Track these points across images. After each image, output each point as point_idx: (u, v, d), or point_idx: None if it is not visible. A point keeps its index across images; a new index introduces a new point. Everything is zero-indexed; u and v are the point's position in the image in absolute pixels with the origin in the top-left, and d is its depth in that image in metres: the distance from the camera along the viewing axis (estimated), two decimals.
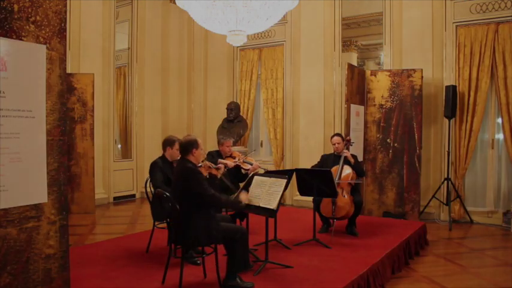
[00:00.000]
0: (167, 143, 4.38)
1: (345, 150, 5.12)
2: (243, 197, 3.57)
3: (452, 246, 5.34)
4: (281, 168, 7.75)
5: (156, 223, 4.40)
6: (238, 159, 5.03)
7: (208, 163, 3.79)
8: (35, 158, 2.35)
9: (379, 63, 8.42)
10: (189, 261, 3.81)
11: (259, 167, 5.00)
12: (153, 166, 4.30)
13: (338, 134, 5.33)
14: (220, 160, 4.82)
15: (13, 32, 2.24)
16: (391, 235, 4.89)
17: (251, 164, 5.00)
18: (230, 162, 4.87)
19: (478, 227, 6.26)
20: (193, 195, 3.27)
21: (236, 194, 3.89)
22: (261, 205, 3.66)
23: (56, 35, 2.45)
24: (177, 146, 4.33)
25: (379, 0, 7.16)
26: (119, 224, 6.28)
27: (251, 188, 3.85)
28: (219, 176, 3.87)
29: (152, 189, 4.36)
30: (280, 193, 3.63)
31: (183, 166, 3.36)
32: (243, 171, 5.00)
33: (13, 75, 2.23)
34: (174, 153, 4.36)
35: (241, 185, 4.12)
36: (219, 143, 5.14)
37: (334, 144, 5.21)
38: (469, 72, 6.35)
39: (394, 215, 6.38)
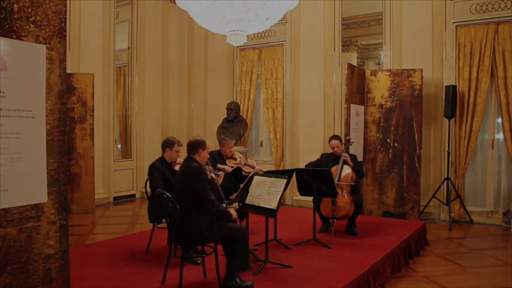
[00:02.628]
0: (167, 144, 4.38)
1: (345, 154, 5.10)
2: (234, 213, 3.54)
3: (452, 246, 5.34)
4: (281, 168, 7.75)
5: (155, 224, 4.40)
6: (240, 161, 5.02)
7: (210, 168, 3.80)
8: (35, 158, 2.35)
9: (379, 63, 8.43)
10: (189, 261, 3.81)
11: (261, 171, 4.98)
12: (152, 168, 4.30)
13: (336, 137, 5.26)
14: (219, 166, 4.81)
15: (13, 32, 2.24)
16: (391, 235, 4.89)
17: (253, 167, 4.97)
18: (228, 168, 4.83)
19: (478, 227, 6.26)
20: (194, 194, 3.29)
21: (236, 194, 3.89)
22: (261, 205, 3.67)
23: (56, 35, 2.45)
24: (176, 147, 4.35)
25: (379, 0, 7.16)
26: (119, 224, 6.28)
27: (251, 188, 3.86)
28: (219, 182, 3.88)
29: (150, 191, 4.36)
30: (280, 193, 3.63)
31: (189, 165, 3.41)
32: (244, 173, 4.98)
33: (13, 75, 2.23)
34: (173, 155, 4.37)
35: (242, 185, 4.12)
36: (221, 144, 5.12)
37: (333, 147, 5.20)
38: (469, 72, 6.35)
39: (394, 215, 6.39)
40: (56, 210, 2.46)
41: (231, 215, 3.49)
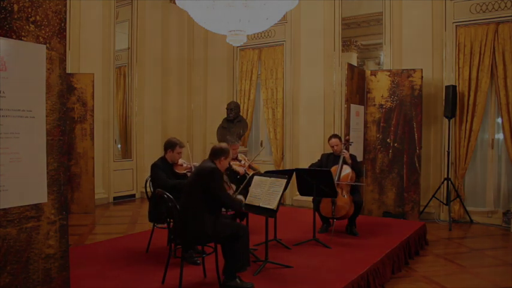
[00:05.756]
0: (168, 145, 4.38)
1: (344, 151, 5.11)
2: (240, 197, 3.65)
3: (452, 246, 5.34)
4: (281, 168, 7.75)
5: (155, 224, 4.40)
6: (244, 163, 5.00)
7: (225, 177, 3.82)
8: (35, 158, 2.35)
9: (379, 63, 8.42)
10: (189, 261, 3.82)
11: None
12: (154, 167, 4.31)
13: (335, 136, 5.26)
14: (233, 166, 4.81)
15: (13, 32, 2.24)
16: (391, 235, 4.89)
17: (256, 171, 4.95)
18: (242, 170, 4.84)
19: (477, 227, 6.26)
20: (207, 193, 3.32)
21: (236, 194, 3.89)
22: (261, 205, 3.67)
23: (56, 35, 2.45)
24: (178, 149, 4.35)
25: (379, 0, 7.16)
26: (118, 224, 6.29)
27: (251, 188, 3.86)
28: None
29: (152, 190, 4.37)
30: (280, 193, 3.63)
31: (209, 165, 3.45)
32: (246, 175, 4.96)
33: (13, 75, 2.23)
34: (175, 156, 4.37)
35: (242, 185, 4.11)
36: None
37: (333, 146, 5.20)
38: (469, 72, 6.35)
39: (394, 215, 6.39)
40: (56, 210, 2.46)
41: (241, 201, 3.61)
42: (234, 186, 4.14)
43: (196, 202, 3.32)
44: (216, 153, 3.54)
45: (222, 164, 3.55)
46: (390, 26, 7.07)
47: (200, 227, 3.28)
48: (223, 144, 3.66)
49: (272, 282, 3.49)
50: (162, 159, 4.41)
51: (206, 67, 9.18)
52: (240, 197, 3.67)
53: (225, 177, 3.81)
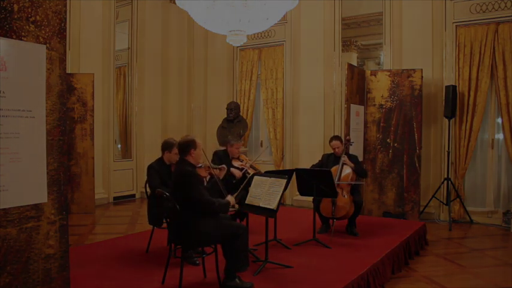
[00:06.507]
0: (165, 146, 4.38)
1: (344, 158, 5.07)
2: (231, 199, 3.50)
3: (452, 246, 5.34)
4: (281, 168, 7.75)
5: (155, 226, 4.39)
6: (245, 163, 5.00)
7: (208, 163, 3.78)
8: (34, 158, 2.35)
9: (379, 63, 8.42)
10: (188, 261, 3.81)
11: None
12: (150, 169, 4.31)
13: (336, 137, 5.25)
14: (232, 170, 4.80)
15: (13, 32, 2.24)
16: (391, 235, 4.89)
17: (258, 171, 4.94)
18: (239, 172, 4.82)
19: (478, 227, 6.26)
20: (191, 198, 3.27)
21: (236, 194, 3.89)
22: (261, 205, 3.67)
23: (56, 35, 2.45)
24: (175, 149, 4.33)
25: (379, 0, 7.17)
26: (118, 224, 6.28)
27: (251, 188, 3.86)
28: (221, 176, 3.85)
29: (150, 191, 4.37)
30: (280, 193, 3.63)
31: (181, 168, 3.34)
32: (247, 175, 4.96)
33: (13, 75, 2.23)
34: (172, 157, 4.36)
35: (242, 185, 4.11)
36: (229, 144, 5.04)
37: (334, 148, 5.19)
38: (469, 72, 6.35)
39: (394, 215, 6.39)
40: (56, 210, 2.46)
41: (228, 203, 3.43)
42: (224, 167, 4.02)
43: (191, 206, 3.28)
44: (184, 149, 3.37)
45: (195, 157, 3.38)
46: (390, 26, 7.07)
47: (200, 229, 3.26)
48: (187, 137, 3.45)
49: (272, 282, 3.49)
50: (159, 160, 4.40)
51: (206, 67, 9.18)
52: (231, 197, 3.54)
53: (210, 164, 3.74)
